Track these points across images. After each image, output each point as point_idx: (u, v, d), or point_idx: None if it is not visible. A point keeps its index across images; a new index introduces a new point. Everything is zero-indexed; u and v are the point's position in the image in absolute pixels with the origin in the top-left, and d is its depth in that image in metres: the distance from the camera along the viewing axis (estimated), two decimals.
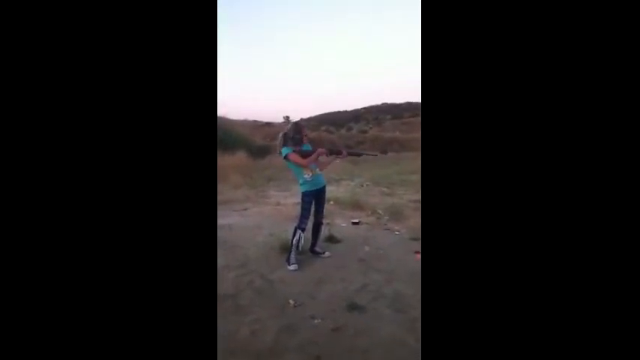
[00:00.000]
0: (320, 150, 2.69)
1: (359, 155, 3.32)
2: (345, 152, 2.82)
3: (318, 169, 2.79)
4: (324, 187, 2.86)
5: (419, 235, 3.46)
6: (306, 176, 2.74)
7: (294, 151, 2.68)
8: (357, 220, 4.13)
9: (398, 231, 3.71)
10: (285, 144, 2.73)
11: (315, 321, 1.94)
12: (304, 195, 2.76)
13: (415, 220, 3.90)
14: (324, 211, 3.01)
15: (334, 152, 2.82)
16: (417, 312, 1.99)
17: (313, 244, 3.00)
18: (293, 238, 2.76)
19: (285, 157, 2.69)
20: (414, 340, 1.72)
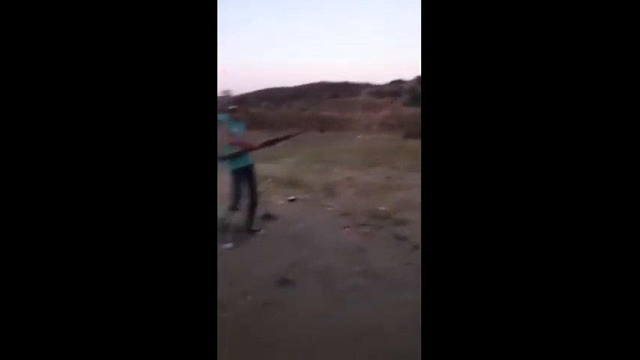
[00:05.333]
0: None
1: (287, 138, 3.47)
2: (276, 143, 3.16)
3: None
4: (250, 166, 2.92)
5: (349, 210, 3.68)
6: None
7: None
8: (292, 198, 4.21)
9: (330, 207, 3.88)
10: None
11: (248, 297, 2.02)
12: (231, 173, 2.84)
13: (346, 196, 4.11)
14: (260, 188, 3.06)
15: (267, 144, 3.08)
16: (342, 284, 2.16)
17: (249, 223, 3.03)
18: (226, 217, 2.78)
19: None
20: (334, 311, 1.89)
